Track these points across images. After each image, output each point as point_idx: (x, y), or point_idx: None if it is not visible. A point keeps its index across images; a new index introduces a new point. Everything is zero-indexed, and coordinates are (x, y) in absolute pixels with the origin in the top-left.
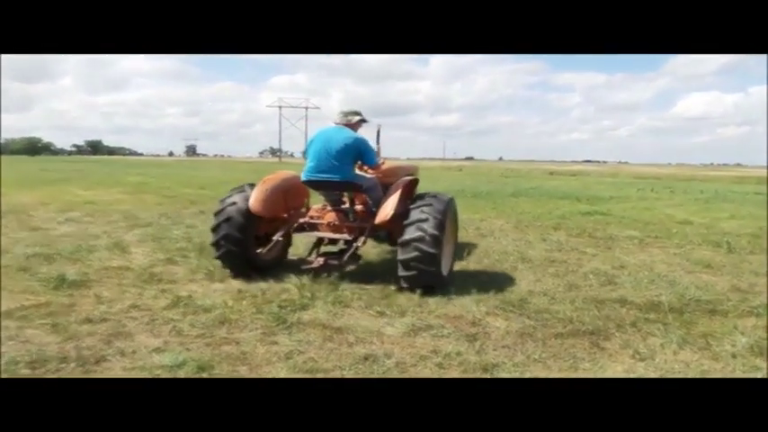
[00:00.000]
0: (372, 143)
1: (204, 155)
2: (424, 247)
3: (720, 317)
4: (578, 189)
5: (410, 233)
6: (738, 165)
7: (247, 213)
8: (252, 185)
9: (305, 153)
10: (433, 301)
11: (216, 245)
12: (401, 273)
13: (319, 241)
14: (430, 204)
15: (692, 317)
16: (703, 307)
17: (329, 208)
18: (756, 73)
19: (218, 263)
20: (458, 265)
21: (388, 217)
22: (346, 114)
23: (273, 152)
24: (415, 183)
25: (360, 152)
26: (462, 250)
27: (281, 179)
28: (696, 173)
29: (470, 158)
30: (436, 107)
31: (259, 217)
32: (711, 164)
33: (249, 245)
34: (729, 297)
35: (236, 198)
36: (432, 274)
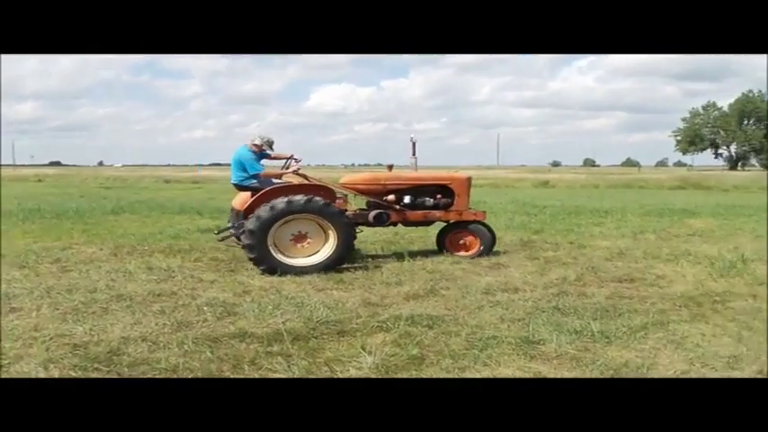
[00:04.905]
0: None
1: None
2: (242, 237)
3: (349, 337)
4: (201, 200)
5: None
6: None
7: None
8: None
9: None
10: None
11: None
12: None
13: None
14: (268, 204)
15: (318, 342)
16: (332, 329)
17: None
18: (387, 65)
19: None
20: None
21: (242, 208)
22: (253, 140)
23: None
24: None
25: (243, 163)
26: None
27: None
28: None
29: (57, 163)
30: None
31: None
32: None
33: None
34: (359, 313)
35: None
36: (255, 260)
